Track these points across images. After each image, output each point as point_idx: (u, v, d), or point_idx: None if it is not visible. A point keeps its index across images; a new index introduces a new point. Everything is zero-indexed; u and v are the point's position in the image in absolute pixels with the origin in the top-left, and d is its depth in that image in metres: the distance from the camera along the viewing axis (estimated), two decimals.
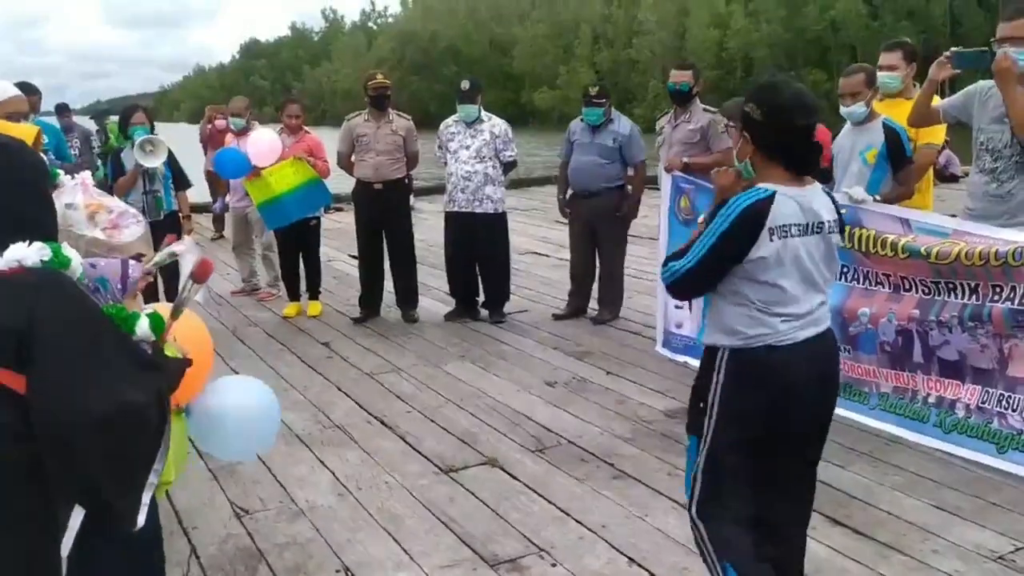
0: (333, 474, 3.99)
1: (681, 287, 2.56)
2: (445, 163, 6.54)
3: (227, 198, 8.42)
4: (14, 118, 3.82)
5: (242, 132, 7.20)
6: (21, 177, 1.78)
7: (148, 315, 1.95)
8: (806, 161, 2.46)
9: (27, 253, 1.64)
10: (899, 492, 3.64)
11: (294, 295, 7.05)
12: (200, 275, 2.10)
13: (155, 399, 1.62)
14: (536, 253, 9.34)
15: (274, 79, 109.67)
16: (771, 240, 2.37)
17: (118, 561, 1.76)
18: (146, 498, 1.67)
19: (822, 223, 2.44)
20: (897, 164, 4.41)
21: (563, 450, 4.21)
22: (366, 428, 4.55)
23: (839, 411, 4.11)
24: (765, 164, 2.46)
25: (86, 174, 3.19)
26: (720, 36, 58.72)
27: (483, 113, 6.48)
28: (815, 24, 51.71)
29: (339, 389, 5.17)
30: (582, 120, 6.29)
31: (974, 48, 4.10)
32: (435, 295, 7.30)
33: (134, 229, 3.10)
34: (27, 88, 6.28)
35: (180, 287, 2.10)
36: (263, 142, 6.48)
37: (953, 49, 4.14)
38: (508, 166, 6.53)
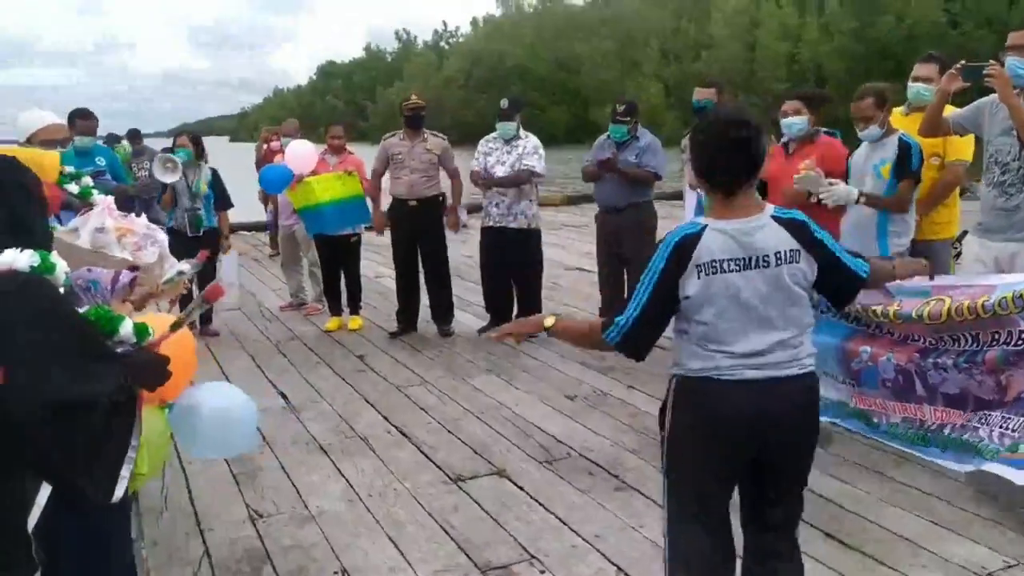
0: (348, 482, 4.15)
1: (630, 340, 2.38)
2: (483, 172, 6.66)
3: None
4: (50, 144, 4.13)
5: None
6: (27, 193, 2.00)
7: (135, 323, 2.14)
8: (721, 176, 2.33)
9: (18, 258, 1.84)
10: (894, 506, 3.63)
11: (336, 310, 7.29)
12: (210, 296, 2.29)
13: (116, 389, 1.78)
14: (582, 269, 9.43)
15: (348, 99, 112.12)
16: (697, 277, 2.29)
17: (82, 534, 1.92)
18: (125, 472, 1.83)
19: (767, 256, 2.30)
20: (898, 175, 4.38)
21: (570, 461, 4.29)
22: (385, 438, 4.70)
23: (856, 428, 4.15)
24: (713, 195, 2.39)
25: (109, 198, 3.42)
26: (791, 49, 58.01)
27: (521, 131, 6.63)
28: (890, 34, 50.66)
29: (366, 401, 5.35)
30: (608, 136, 6.38)
31: (983, 62, 4.07)
32: (474, 310, 7.45)
33: (152, 250, 3.32)
34: (84, 113, 6.70)
35: (191, 303, 2.29)
36: (299, 151, 6.77)
37: (963, 62, 4.13)
38: (525, 174, 6.48)
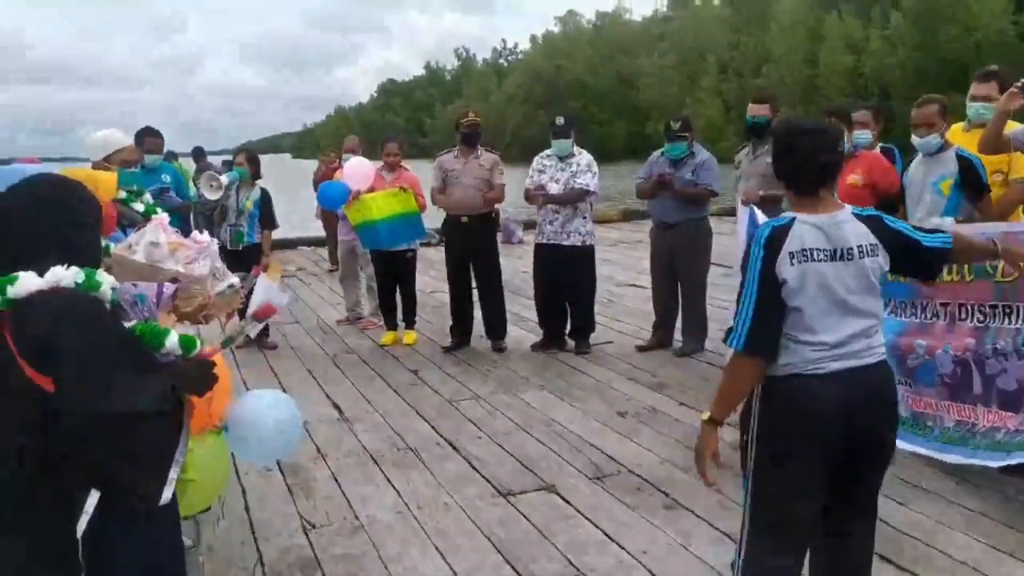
0: (398, 493, 4.20)
1: (753, 338, 2.42)
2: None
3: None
4: (127, 164, 4.33)
5: None
6: (75, 211, 2.09)
7: (180, 335, 2.22)
8: (802, 178, 2.52)
9: (64, 275, 1.93)
10: (955, 530, 3.54)
11: (391, 324, 7.40)
12: (261, 315, 2.38)
13: (164, 397, 1.86)
14: (636, 286, 9.41)
15: (408, 117, 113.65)
16: (791, 264, 2.40)
17: (131, 539, 1.99)
18: (173, 475, 1.90)
19: (851, 249, 2.43)
20: (974, 194, 4.31)
21: (620, 478, 4.28)
22: (436, 451, 4.75)
23: (904, 446, 4.05)
24: (794, 196, 2.56)
25: (164, 215, 3.53)
26: (854, 62, 57.01)
27: (575, 147, 6.64)
28: (956, 46, 49.48)
29: (418, 414, 5.41)
30: (663, 154, 6.37)
31: None
32: (528, 325, 7.48)
33: (204, 263, 3.42)
34: (152, 132, 6.99)
35: (243, 321, 2.36)
36: (357, 168, 6.92)
37: (1023, 80, 4.04)
38: (579, 192, 6.50)
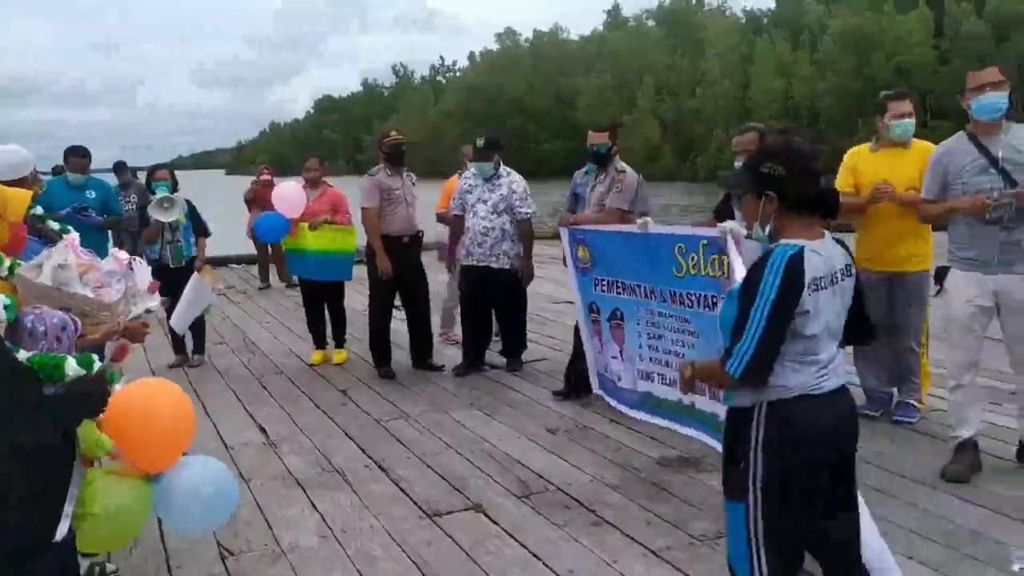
0: (322, 516, 4.10)
1: (753, 368, 2.40)
2: (460, 215, 6.63)
3: None
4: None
5: None
6: None
7: (77, 357, 2.13)
8: (831, 206, 2.52)
9: None
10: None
11: (320, 343, 7.26)
12: (116, 357, 2.30)
13: (51, 429, 1.77)
14: (571, 303, 9.37)
15: (345, 133, 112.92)
16: (809, 294, 2.40)
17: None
18: (68, 509, 1.80)
19: (837, 273, 2.48)
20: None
21: (548, 496, 4.25)
22: (363, 473, 4.66)
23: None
24: (789, 220, 2.49)
25: (75, 235, 3.39)
26: (785, 85, 58.60)
27: (502, 168, 6.55)
28: (881, 71, 51.24)
29: (346, 434, 5.30)
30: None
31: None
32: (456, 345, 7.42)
33: (117, 288, 3.27)
34: (77, 150, 6.86)
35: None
36: (288, 195, 6.81)
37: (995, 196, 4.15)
38: (522, 224, 6.48)
